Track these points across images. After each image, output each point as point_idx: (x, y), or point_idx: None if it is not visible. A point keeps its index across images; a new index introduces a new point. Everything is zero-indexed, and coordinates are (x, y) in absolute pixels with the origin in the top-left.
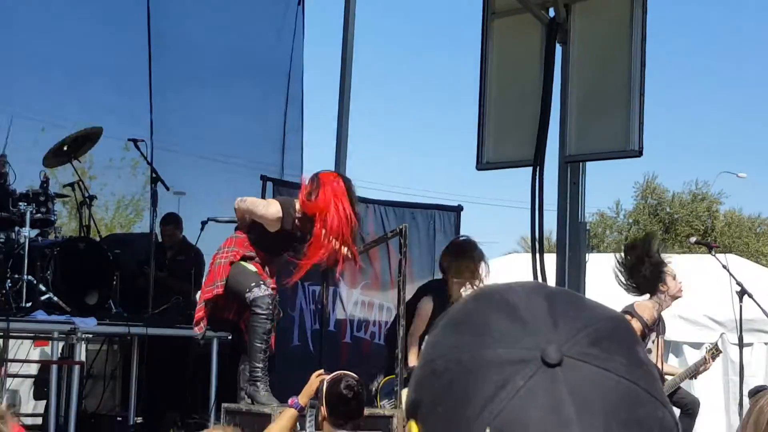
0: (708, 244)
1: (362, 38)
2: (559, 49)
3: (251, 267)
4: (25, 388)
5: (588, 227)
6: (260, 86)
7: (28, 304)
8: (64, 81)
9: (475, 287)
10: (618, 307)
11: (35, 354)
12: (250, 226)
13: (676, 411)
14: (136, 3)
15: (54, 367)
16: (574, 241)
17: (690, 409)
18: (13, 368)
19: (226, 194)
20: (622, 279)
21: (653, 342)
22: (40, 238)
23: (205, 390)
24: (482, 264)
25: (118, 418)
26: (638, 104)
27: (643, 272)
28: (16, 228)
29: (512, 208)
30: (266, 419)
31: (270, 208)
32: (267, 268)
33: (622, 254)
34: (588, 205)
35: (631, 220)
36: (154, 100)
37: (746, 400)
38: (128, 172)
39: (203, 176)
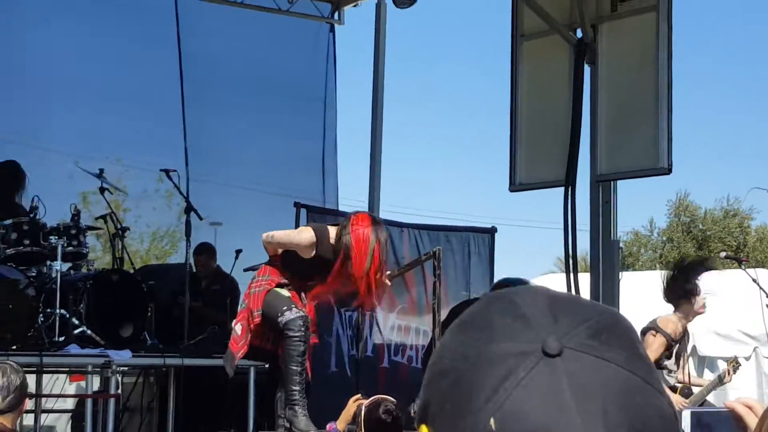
0: (738, 258)
1: (393, 62)
2: (587, 69)
3: (285, 292)
4: (62, 423)
5: (622, 246)
6: (295, 113)
7: (62, 338)
8: (94, 113)
9: None
10: None
11: (71, 389)
12: (284, 253)
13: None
14: (166, 29)
15: (89, 401)
16: (607, 260)
17: None
18: (48, 404)
19: (261, 223)
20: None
21: (680, 355)
22: (72, 272)
23: (242, 420)
24: None
25: None
26: (666, 122)
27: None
28: (48, 262)
29: (547, 229)
30: None
31: (302, 235)
32: (303, 295)
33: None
34: (622, 223)
35: (665, 238)
36: (188, 128)
37: None
38: (163, 203)
39: (238, 205)
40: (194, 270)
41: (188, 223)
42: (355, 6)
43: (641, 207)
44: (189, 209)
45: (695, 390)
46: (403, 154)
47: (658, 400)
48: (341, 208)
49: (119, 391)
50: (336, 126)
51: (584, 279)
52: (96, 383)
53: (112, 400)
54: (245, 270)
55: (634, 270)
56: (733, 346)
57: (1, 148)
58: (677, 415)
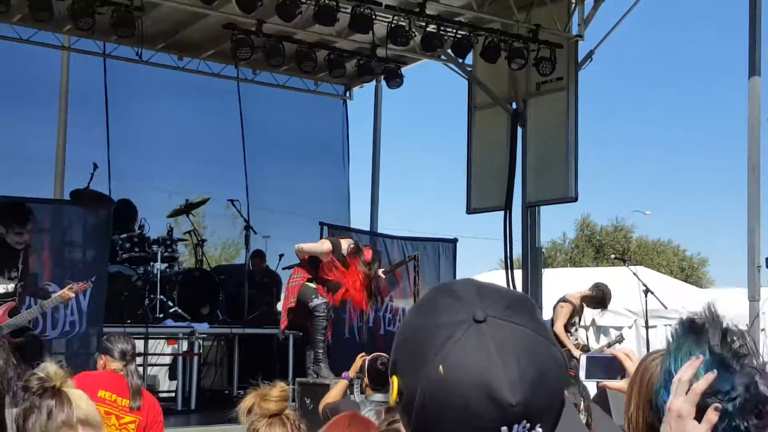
0: (623, 259)
1: (388, 125)
2: (519, 130)
3: (313, 285)
4: (162, 373)
5: (544, 251)
6: (321, 162)
7: (161, 315)
8: (182, 160)
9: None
10: None
11: (168, 350)
12: (309, 257)
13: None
14: (232, 104)
15: (180, 358)
16: (533, 261)
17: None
18: (152, 360)
19: (296, 236)
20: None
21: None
22: (168, 270)
23: (284, 370)
24: None
25: (226, 392)
26: (574, 165)
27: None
28: (151, 263)
29: (492, 239)
30: (326, 388)
31: (323, 246)
32: (326, 287)
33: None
34: (544, 235)
35: (573, 246)
36: (248, 172)
37: None
38: (230, 223)
39: (281, 224)
40: (251, 269)
41: (247, 237)
42: (360, 87)
43: (557, 223)
44: (248, 227)
45: (593, 348)
46: (397, 185)
47: (552, 351)
48: (352, 225)
49: (200, 351)
50: (349, 169)
51: (518, 274)
52: (185, 346)
53: (195, 357)
54: (284, 268)
55: (552, 268)
56: (621, 318)
57: (121, 184)
58: (566, 360)
